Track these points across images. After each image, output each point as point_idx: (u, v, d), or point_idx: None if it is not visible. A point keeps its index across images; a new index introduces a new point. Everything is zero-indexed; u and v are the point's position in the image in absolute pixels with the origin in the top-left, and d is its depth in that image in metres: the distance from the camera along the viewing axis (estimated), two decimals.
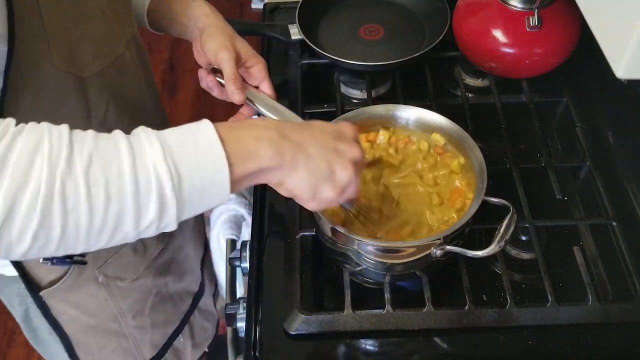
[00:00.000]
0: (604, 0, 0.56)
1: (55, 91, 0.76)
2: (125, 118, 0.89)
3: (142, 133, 0.59)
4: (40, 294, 0.95)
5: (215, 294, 1.44)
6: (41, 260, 0.89)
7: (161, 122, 1.07)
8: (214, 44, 0.91)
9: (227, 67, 0.90)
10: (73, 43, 0.76)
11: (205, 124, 0.61)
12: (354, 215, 0.84)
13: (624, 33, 0.52)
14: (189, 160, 0.58)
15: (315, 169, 0.65)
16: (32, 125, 0.56)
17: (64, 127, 0.57)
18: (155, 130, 0.60)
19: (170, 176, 0.56)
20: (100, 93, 0.83)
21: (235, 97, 0.91)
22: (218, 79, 0.95)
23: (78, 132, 0.57)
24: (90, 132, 0.58)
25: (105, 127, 0.86)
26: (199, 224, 1.21)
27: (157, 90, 1.09)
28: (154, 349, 1.17)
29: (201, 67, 0.98)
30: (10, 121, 0.56)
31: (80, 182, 0.54)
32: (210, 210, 1.22)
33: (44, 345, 1.08)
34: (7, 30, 0.66)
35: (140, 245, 1.04)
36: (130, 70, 0.91)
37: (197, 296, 1.29)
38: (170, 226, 0.60)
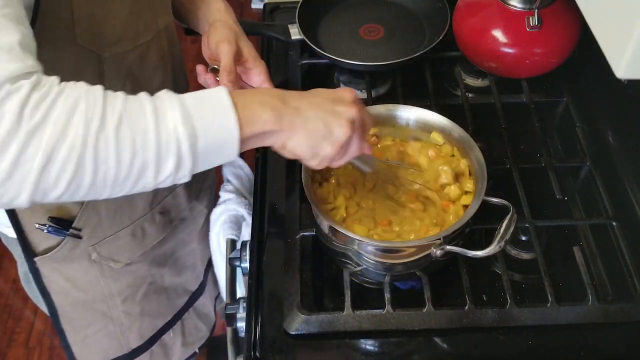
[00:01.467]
0: (604, 0, 0.56)
1: (73, 64, 0.81)
2: None
3: (165, 96, 0.65)
4: (35, 259, 0.98)
5: (218, 297, 1.44)
6: (37, 226, 0.93)
7: None
8: (217, 36, 0.93)
9: (225, 58, 0.92)
10: (97, 21, 0.81)
11: (221, 91, 0.66)
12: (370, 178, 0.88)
13: (624, 33, 0.52)
14: (205, 121, 0.64)
15: (312, 129, 0.70)
16: (71, 85, 0.62)
17: (99, 88, 0.62)
18: (177, 94, 0.65)
19: (188, 135, 0.62)
20: (117, 75, 0.87)
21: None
22: (217, 78, 0.95)
23: (110, 94, 0.63)
24: (121, 94, 0.63)
25: None
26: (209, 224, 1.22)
27: (186, 84, 1.11)
28: (141, 338, 1.18)
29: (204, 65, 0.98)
30: (55, 80, 0.61)
31: (110, 137, 0.60)
32: (211, 211, 1.22)
33: (44, 308, 1.10)
34: (34, 1, 0.72)
35: (139, 231, 1.06)
36: (155, 59, 0.94)
37: (195, 295, 1.28)
38: (184, 178, 0.66)
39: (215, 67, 0.95)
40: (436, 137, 0.92)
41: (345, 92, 0.75)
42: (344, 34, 1.22)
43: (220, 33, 0.94)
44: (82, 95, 0.60)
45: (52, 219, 0.93)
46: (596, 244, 0.94)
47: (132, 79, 0.90)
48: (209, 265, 1.32)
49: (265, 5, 1.33)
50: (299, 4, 1.20)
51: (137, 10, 0.86)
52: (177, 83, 1.03)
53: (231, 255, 1.04)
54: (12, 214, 0.92)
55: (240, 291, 1.09)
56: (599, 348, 0.82)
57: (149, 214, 1.06)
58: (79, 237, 0.97)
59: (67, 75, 0.79)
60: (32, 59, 0.61)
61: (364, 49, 1.19)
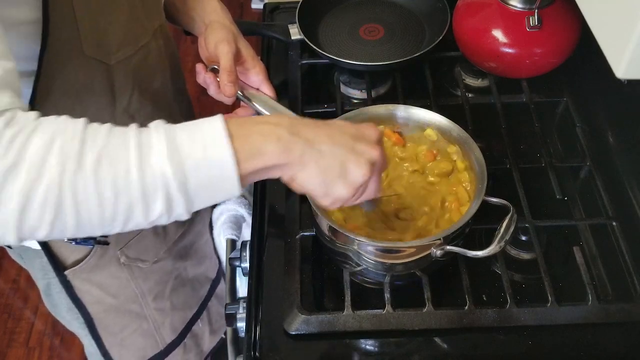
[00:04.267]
0: (604, 0, 0.56)
1: (83, 76, 0.80)
2: (148, 105, 0.93)
3: (154, 129, 0.61)
4: (65, 273, 0.97)
5: None
6: (65, 240, 0.92)
7: (185, 110, 1.10)
8: (216, 37, 0.93)
9: (225, 59, 0.91)
10: (100, 30, 0.80)
11: (217, 121, 0.62)
12: (373, 219, 0.85)
13: (624, 33, 0.52)
14: (195, 158, 0.59)
15: (326, 166, 0.65)
16: (50, 119, 0.59)
17: (81, 122, 0.59)
18: (167, 126, 0.61)
19: (175, 175, 0.58)
20: (125, 80, 0.87)
21: (227, 89, 0.91)
22: (218, 78, 0.95)
23: (93, 127, 0.59)
24: (105, 128, 0.60)
25: (128, 112, 0.90)
26: None
27: (183, 81, 1.11)
28: (174, 332, 1.20)
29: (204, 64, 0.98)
30: (31, 115, 0.59)
31: (88, 178, 0.57)
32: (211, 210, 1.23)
33: (64, 320, 1.12)
34: (42, 16, 0.70)
35: (161, 229, 1.07)
36: (155, 59, 0.94)
37: (215, 282, 1.31)
38: (183, 217, 0.62)
39: (215, 67, 0.95)
40: (430, 133, 0.92)
41: (371, 130, 0.69)
42: (344, 34, 1.22)
43: (219, 33, 0.93)
44: (60, 130, 0.57)
45: None
46: (596, 244, 0.94)
47: (138, 82, 0.90)
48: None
49: (265, 5, 1.33)
50: (299, 4, 1.20)
51: (135, 14, 0.86)
52: (176, 81, 1.03)
53: (231, 255, 1.05)
54: None
55: (240, 291, 1.09)
56: (599, 348, 0.82)
57: None
58: (107, 244, 0.97)
59: (81, 85, 0.81)
60: (8, 96, 0.59)
61: (364, 49, 1.19)
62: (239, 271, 1.03)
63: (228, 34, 0.94)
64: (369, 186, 0.68)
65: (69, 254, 0.97)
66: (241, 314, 0.90)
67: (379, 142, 0.69)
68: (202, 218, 1.20)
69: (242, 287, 1.09)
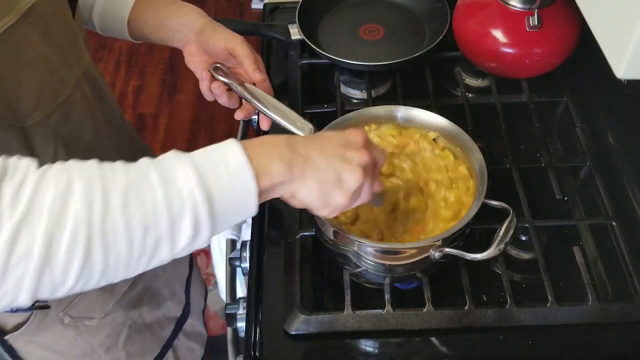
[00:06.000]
0: (604, 1, 0.56)
1: None
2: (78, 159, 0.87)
3: (175, 158, 0.60)
4: (6, 338, 0.94)
5: (204, 309, 1.41)
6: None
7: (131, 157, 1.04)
8: (223, 33, 0.92)
9: (244, 48, 0.90)
10: (10, 96, 0.74)
11: (233, 144, 0.62)
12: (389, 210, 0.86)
13: (624, 33, 0.52)
14: (221, 182, 0.59)
15: (323, 178, 0.66)
16: (56, 166, 0.56)
17: (94, 163, 0.57)
18: (186, 154, 0.61)
19: (204, 199, 0.58)
20: (45, 139, 0.81)
21: (257, 75, 0.92)
22: (222, 78, 0.94)
23: (108, 167, 0.58)
24: (120, 165, 0.58)
25: None
26: None
27: (123, 123, 1.04)
28: None
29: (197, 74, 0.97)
30: (30, 164, 0.55)
31: (118, 217, 0.54)
32: None
33: None
34: None
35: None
36: (81, 109, 0.87)
37: (181, 320, 1.25)
38: (203, 245, 0.61)
39: (217, 65, 0.94)
40: (432, 137, 0.92)
41: (356, 136, 0.70)
42: (344, 34, 1.22)
43: (223, 31, 0.92)
44: (76, 175, 0.55)
45: None
46: (596, 244, 0.94)
47: (62, 140, 0.83)
48: (188, 284, 1.29)
49: (265, 5, 1.33)
50: (299, 4, 1.20)
51: (50, 69, 0.79)
52: (111, 124, 0.97)
53: (231, 255, 1.04)
54: None
55: (240, 291, 1.09)
56: (599, 348, 0.82)
57: None
58: (47, 307, 0.93)
59: None
60: None
61: (364, 49, 1.19)
62: (238, 271, 1.03)
63: (229, 31, 0.93)
64: (364, 189, 0.69)
65: (7, 319, 0.92)
66: (241, 314, 0.90)
67: (366, 145, 0.70)
68: None
69: (242, 287, 1.10)
